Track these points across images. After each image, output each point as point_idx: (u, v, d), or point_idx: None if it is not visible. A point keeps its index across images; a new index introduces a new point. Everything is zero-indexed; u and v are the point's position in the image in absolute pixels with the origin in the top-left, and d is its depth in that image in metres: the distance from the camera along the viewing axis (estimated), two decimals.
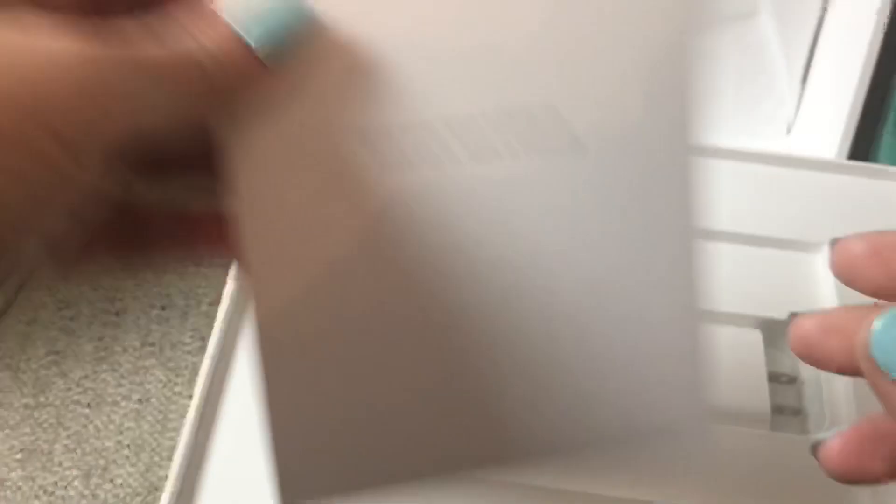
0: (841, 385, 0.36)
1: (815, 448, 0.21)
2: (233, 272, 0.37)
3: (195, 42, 0.15)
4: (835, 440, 0.21)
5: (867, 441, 0.20)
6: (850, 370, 0.19)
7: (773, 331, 0.38)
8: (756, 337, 0.37)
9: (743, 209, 0.40)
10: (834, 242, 0.21)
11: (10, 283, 0.50)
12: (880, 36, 0.44)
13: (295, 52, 0.17)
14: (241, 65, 0.16)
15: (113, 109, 0.14)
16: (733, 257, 0.39)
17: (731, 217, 0.40)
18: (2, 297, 0.48)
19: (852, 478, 0.21)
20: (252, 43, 0.16)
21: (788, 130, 0.50)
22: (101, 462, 0.42)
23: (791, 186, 0.41)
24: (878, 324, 0.18)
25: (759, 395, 0.36)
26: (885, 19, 0.44)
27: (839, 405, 0.36)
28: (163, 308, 0.48)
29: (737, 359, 0.37)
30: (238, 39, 0.16)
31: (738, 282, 0.38)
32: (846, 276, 0.21)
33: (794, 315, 0.22)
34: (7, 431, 0.43)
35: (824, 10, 0.48)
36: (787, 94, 0.50)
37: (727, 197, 0.41)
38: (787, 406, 0.37)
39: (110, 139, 0.14)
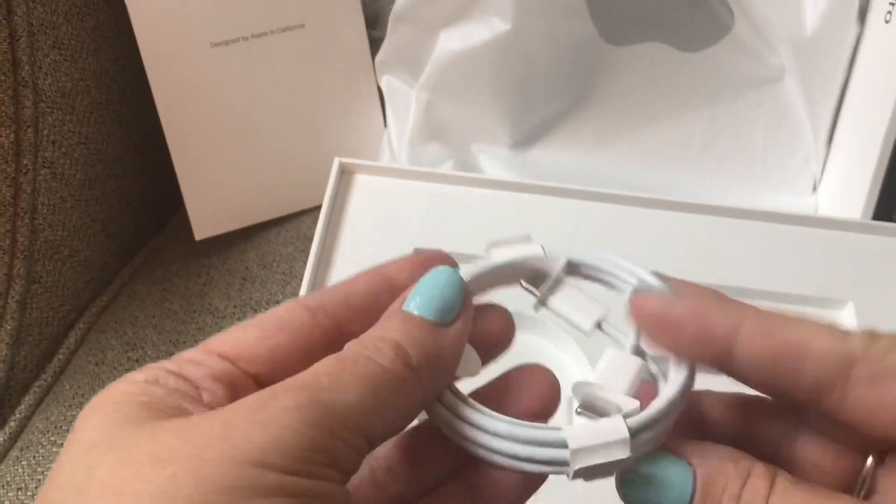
0: None
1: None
2: None
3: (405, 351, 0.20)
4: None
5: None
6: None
7: None
8: None
9: (770, 268, 0.42)
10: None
11: (80, 324, 0.53)
12: None
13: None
14: (434, 346, 0.20)
15: (371, 419, 0.19)
16: None
17: (759, 275, 0.42)
18: (74, 337, 0.52)
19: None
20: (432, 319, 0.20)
21: (814, 189, 0.53)
22: None
23: (817, 245, 0.43)
24: None
25: None
26: None
27: None
28: None
29: None
30: (424, 323, 0.20)
31: None
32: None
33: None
34: None
35: (849, 73, 0.50)
36: (812, 154, 0.52)
37: (755, 256, 0.43)
38: None
39: (371, 437, 0.19)
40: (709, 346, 0.20)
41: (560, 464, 0.19)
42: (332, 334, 0.21)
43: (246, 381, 0.20)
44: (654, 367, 0.22)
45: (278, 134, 0.53)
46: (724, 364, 0.21)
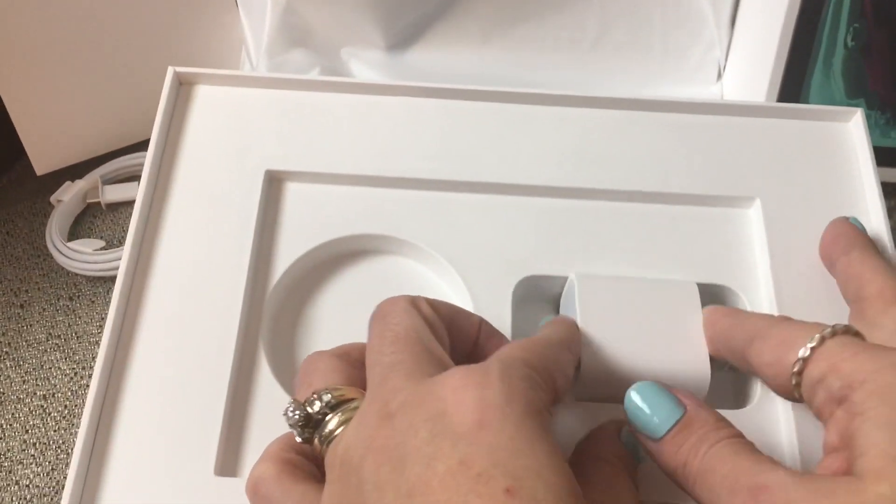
0: None
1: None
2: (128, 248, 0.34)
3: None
4: None
5: None
6: None
7: (709, 294, 0.36)
8: None
9: (670, 166, 0.38)
10: None
11: None
12: None
13: None
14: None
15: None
16: (664, 218, 0.37)
17: (658, 175, 0.38)
18: None
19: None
20: None
21: (719, 76, 0.48)
22: (6, 464, 0.40)
23: (719, 137, 0.39)
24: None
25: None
26: None
27: None
28: (70, 298, 0.46)
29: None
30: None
31: (670, 244, 0.37)
32: None
33: None
34: None
35: None
36: (716, 39, 0.47)
37: (653, 153, 0.38)
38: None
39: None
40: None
41: None
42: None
43: None
44: None
45: (117, 51, 0.47)
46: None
